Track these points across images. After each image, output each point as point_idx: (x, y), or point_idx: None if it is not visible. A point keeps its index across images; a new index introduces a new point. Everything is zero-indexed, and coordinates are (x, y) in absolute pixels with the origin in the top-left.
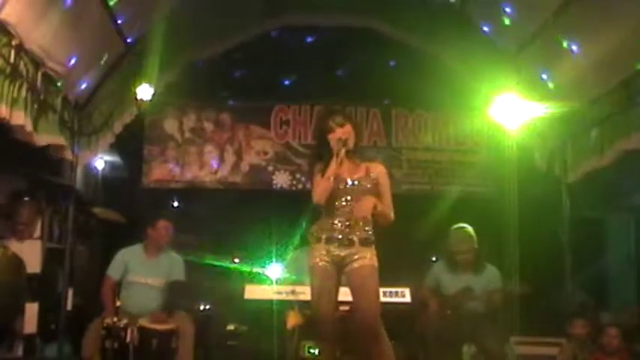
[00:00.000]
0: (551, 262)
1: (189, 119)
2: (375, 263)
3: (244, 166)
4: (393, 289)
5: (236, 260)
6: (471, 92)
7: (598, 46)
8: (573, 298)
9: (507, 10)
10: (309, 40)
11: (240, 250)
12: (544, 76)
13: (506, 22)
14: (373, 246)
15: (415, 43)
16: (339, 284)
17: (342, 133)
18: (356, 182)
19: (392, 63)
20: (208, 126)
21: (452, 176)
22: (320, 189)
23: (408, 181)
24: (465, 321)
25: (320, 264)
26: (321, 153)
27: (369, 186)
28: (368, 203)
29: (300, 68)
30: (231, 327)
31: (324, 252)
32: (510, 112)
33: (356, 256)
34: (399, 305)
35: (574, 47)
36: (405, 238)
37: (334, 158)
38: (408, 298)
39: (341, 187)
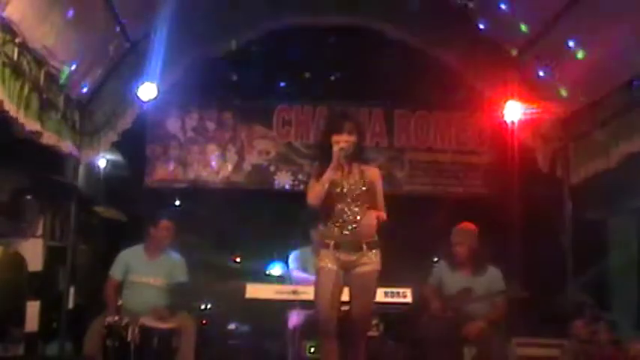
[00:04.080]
0: (554, 264)
1: (192, 119)
2: (379, 266)
3: (246, 166)
4: (395, 290)
5: (237, 259)
6: (474, 93)
7: (602, 47)
8: (573, 299)
9: (510, 10)
10: (311, 40)
11: (241, 249)
12: (547, 77)
13: (510, 22)
14: (378, 248)
15: (417, 43)
16: (343, 286)
17: (345, 140)
18: (352, 186)
19: (394, 63)
20: (211, 125)
21: (454, 177)
22: (313, 193)
23: (410, 181)
24: (466, 322)
25: (327, 266)
26: (322, 153)
27: (364, 189)
28: (372, 221)
29: (303, 68)
30: (232, 326)
31: (332, 257)
32: (513, 113)
33: (363, 260)
34: (401, 306)
35: (577, 48)
36: (407, 239)
37: (332, 165)
38: (409, 299)
39: (337, 190)
